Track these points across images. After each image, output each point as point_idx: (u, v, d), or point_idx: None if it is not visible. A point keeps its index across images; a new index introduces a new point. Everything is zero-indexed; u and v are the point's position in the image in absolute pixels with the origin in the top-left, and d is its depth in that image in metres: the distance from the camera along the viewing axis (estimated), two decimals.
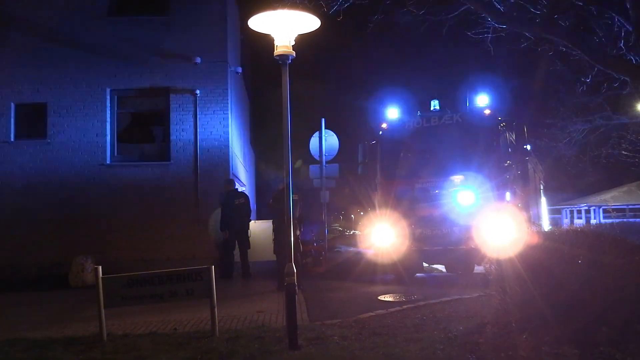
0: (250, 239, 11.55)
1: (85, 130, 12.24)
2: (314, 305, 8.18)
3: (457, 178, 9.99)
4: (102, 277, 6.18)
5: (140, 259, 11.55)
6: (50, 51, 12.31)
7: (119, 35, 12.41)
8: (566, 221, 27.17)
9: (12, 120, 12.25)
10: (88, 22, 12.40)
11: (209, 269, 6.27)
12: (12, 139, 12.19)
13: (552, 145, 21.63)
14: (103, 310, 6.16)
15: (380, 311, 7.50)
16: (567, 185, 25.10)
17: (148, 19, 12.57)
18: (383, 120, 11.14)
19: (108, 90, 12.41)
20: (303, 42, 6.11)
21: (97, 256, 11.30)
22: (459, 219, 9.74)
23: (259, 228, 13.13)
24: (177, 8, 12.55)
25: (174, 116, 12.36)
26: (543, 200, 15.51)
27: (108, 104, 12.41)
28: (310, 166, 13.75)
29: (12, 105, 12.26)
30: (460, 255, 10.09)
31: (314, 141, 13.74)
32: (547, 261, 5.55)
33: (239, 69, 14.33)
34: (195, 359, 5.39)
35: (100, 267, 6.25)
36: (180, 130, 12.31)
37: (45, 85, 12.24)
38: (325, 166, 13.56)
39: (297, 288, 5.89)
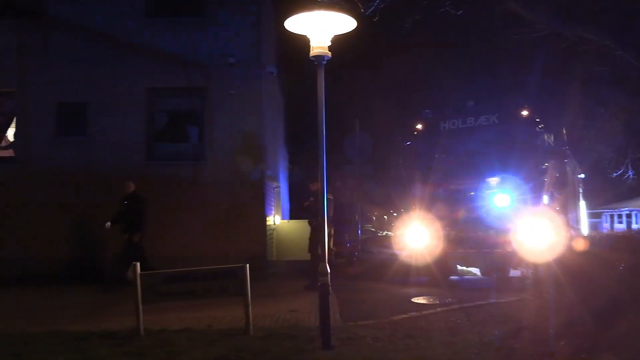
0: (279, 238, 11.60)
1: (124, 128, 12.50)
2: (347, 306, 8.18)
3: (493, 180, 9.85)
4: (139, 274, 6.32)
5: (175, 257, 11.71)
6: (90, 51, 12.60)
7: (157, 36, 12.63)
8: (606, 225, 26.47)
9: (56, 118, 12.59)
10: (127, 23, 12.66)
11: (243, 267, 6.34)
12: (55, 137, 12.53)
13: (591, 147, 21.09)
14: (141, 306, 6.29)
15: (413, 313, 7.46)
16: (607, 188, 24.45)
17: (185, 20, 12.76)
18: (418, 121, 11.06)
19: (147, 89, 12.64)
20: (338, 42, 6.11)
21: None
22: (495, 221, 9.60)
23: (292, 227, 13.19)
24: (213, 9, 12.71)
25: (209, 116, 12.51)
26: (582, 203, 15.15)
27: (146, 104, 12.64)
28: (346, 166, 13.78)
29: (55, 104, 12.61)
30: (495, 258, 9.95)
31: (348, 142, 13.75)
32: (586, 266, 5.43)
33: (274, 69, 14.42)
34: (228, 356, 5.45)
35: (138, 264, 6.39)
36: (216, 129, 12.45)
37: (86, 85, 12.54)
38: (360, 166, 13.56)
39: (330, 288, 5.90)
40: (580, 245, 5.92)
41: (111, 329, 6.78)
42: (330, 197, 10.62)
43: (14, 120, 12.82)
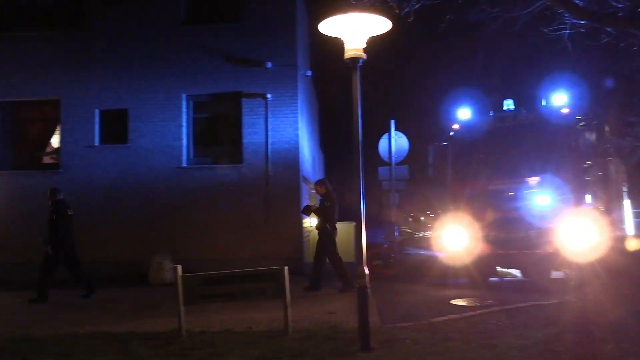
0: (315, 240, 11.58)
1: (163, 134, 12.77)
2: (385, 308, 8.14)
3: (532, 180, 9.65)
4: (181, 276, 6.43)
5: (214, 259, 11.91)
6: (130, 60, 12.94)
7: (194, 43, 12.87)
8: None
9: (97, 126, 12.97)
10: (165, 31, 12.94)
11: (282, 270, 6.39)
12: (96, 144, 12.90)
13: (636, 145, 20.43)
14: (182, 307, 6.41)
15: (453, 315, 7.37)
16: None
17: (221, 26, 12.97)
18: (454, 121, 10.93)
19: (184, 95, 12.89)
20: (373, 43, 6.10)
21: (174, 255, 11.77)
22: (536, 222, 9.40)
23: None
24: (249, 15, 12.87)
25: (245, 120, 12.67)
26: (627, 203, 14.72)
27: (184, 109, 12.89)
28: (380, 168, 13.72)
29: (97, 112, 12.98)
30: (536, 259, 9.73)
31: (383, 143, 13.69)
32: (632, 267, 5.27)
33: (309, 72, 14.50)
34: (268, 357, 5.49)
35: (180, 266, 6.50)
36: (252, 133, 12.60)
37: (126, 93, 12.87)
38: (394, 168, 13.48)
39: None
40: (625, 245, 5.76)
41: (154, 330, 6.92)
42: (328, 204, 10.36)
43: (59, 127, 13.23)
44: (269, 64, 12.54)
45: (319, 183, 10.54)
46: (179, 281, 6.41)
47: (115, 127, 12.94)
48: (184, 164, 12.75)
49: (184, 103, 12.89)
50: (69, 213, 10.04)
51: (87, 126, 12.93)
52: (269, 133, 12.52)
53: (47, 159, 13.64)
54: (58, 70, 13.07)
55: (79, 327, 7.25)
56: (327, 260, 10.02)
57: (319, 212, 10.19)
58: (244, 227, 12.26)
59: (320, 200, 10.29)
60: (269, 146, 12.49)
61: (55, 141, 13.50)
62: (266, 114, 12.54)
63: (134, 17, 13.04)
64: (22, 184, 12.93)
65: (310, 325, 7.00)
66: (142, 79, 12.88)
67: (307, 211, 10.69)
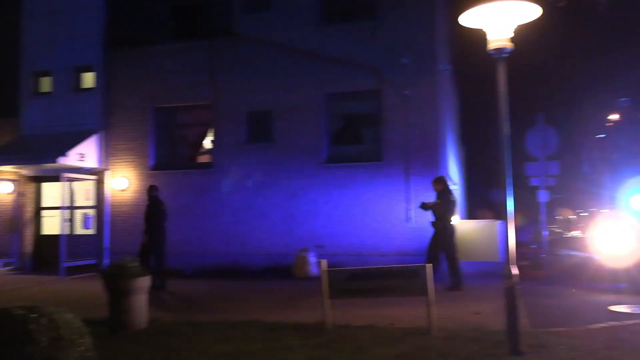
0: (463, 239, 11.35)
1: (304, 133, 13.24)
2: (535, 311, 7.71)
3: None
4: (326, 270, 6.63)
5: (355, 255, 12.11)
6: (273, 63, 13.58)
7: (333, 42, 13.16)
8: None
9: (245, 126, 13.80)
10: (305, 32, 13.40)
11: (425, 267, 6.32)
12: (244, 144, 13.73)
13: None
14: (327, 301, 6.60)
15: (613, 323, 6.78)
16: None
17: (358, 24, 13.13)
18: (613, 111, 10.01)
19: (323, 95, 13.25)
20: (519, 32, 5.78)
21: (317, 250, 12.18)
22: None
23: (471, 227, 12.81)
24: (385, 12, 12.87)
25: (384, 117, 12.70)
26: None
27: (323, 108, 13.25)
28: (527, 164, 13.01)
29: (244, 113, 13.81)
30: None
31: (531, 137, 12.96)
32: None
33: (448, 67, 14.16)
34: (412, 354, 5.48)
35: (325, 260, 6.71)
36: (391, 130, 12.60)
37: (271, 94, 13.53)
38: (543, 163, 12.70)
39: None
40: None
41: (300, 321, 7.22)
42: (453, 198, 10.24)
43: (210, 130, 14.29)
44: (407, 60, 12.44)
45: (436, 180, 10.64)
46: (324, 275, 6.61)
47: (261, 127, 13.67)
48: (324, 162, 13.10)
49: (323, 102, 13.25)
50: (163, 208, 11.13)
51: (236, 127, 13.81)
52: (407, 129, 12.43)
53: (202, 159, 14.80)
54: (210, 76, 14.12)
55: (232, 315, 7.79)
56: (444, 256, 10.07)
57: (434, 208, 10.26)
58: (384, 224, 12.33)
59: (440, 196, 10.34)
60: (409, 143, 12.40)
61: (208, 142, 14.59)
62: (405, 111, 12.47)
63: (275, 22, 13.67)
64: (180, 182, 14.18)
65: (454, 325, 6.84)
66: (284, 80, 13.46)
67: (424, 207, 10.69)
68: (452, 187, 13.37)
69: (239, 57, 13.92)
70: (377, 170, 12.64)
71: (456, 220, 14.33)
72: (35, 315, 3.48)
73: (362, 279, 6.64)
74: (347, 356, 5.49)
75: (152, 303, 7.52)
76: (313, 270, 11.89)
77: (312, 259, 12.04)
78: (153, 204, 11.21)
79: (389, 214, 12.32)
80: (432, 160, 12.27)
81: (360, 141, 13.40)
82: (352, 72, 12.96)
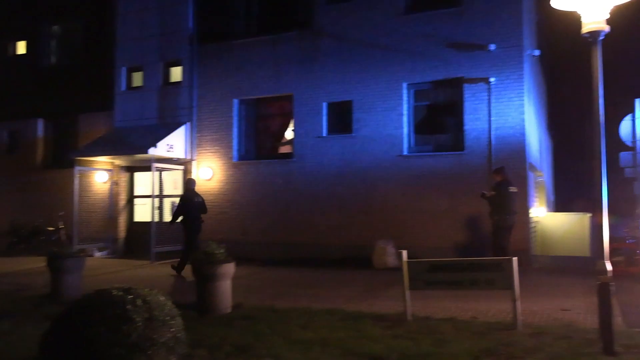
0: (543, 231, 11.05)
1: (385, 123, 13.15)
2: (630, 310, 7.28)
3: None
4: (406, 261, 6.59)
5: (435, 246, 11.93)
6: (354, 53, 13.56)
7: (415, 31, 12.95)
8: None
9: (325, 117, 13.90)
10: (386, 21, 13.26)
11: (511, 260, 6.14)
12: (324, 134, 13.84)
13: None
14: (408, 292, 6.56)
15: None
16: None
17: (442, 12, 12.80)
18: None
19: (405, 84, 13.07)
20: (613, 12, 5.43)
21: (396, 241, 12.10)
22: None
23: (558, 220, 12.26)
24: None
25: (467, 106, 12.36)
26: None
27: (404, 98, 13.08)
28: (622, 154, 12.24)
29: (325, 104, 13.90)
30: None
31: (625, 125, 12.19)
32: None
33: (536, 52, 13.55)
34: (496, 350, 5.34)
35: (405, 251, 6.67)
36: (474, 119, 12.25)
37: (351, 84, 13.54)
38: None
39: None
40: None
41: (381, 311, 7.23)
42: (515, 189, 10.11)
43: (292, 120, 14.51)
44: (493, 47, 12.02)
45: (496, 171, 10.84)
46: (405, 266, 6.57)
47: (341, 118, 13.72)
48: (405, 152, 12.95)
49: (404, 92, 13.08)
50: (196, 200, 11.76)
51: (316, 118, 13.94)
52: (492, 119, 12.03)
53: (283, 150, 15.08)
54: (291, 68, 14.33)
55: (313, 303, 7.91)
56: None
57: (492, 200, 10.41)
58: (467, 216, 12.04)
59: (495, 188, 10.48)
60: (492, 132, 12.00)
61: (289, 133, 14.83)
62: (489, 99, 12.07)
63: (356, 12, 13.62)
64: (263, 172, 14.54)
65: (540, 321, 6.61)
66: (365, 71, 13.41)
67: (484, 198, 10.77)
68: (538, 177, 12.85)
69: (320, 48, 14.02)
70: (458, 161, 12.34)
71: (542, 212, 13.78)
72: (132, 296, 3.70)
73: (444, 271, 6.53)
74: (428, 348, 5.44)
75: (235, 289, 7.77)
76: (392, 261, 11.83)
77: (391, 249, 11.98)
78: (188, 197, 11.80)
79: (471, 206, 12.01)
80: (517, 149, 11.81)
81: (441, 131, 13.12)
82: (434, 60, 12.70)
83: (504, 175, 10.67)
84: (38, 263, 12.22)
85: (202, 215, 11.79)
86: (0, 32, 18.92)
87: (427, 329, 6.20)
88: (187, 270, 9.59)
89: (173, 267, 11.55)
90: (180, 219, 11.57)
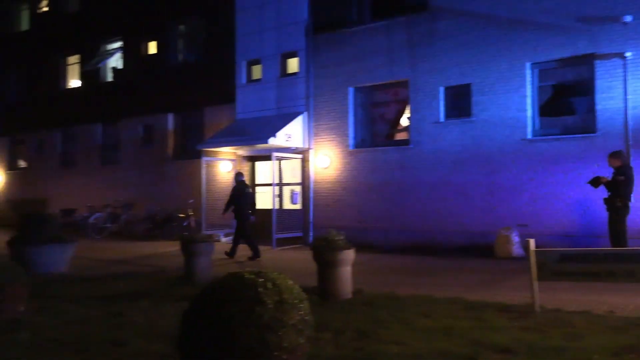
0: None
1: (506, 106, 12.56)
2: None
3: None
4: (534, 250, 6.28)
5: (562, 235, 11.26)
6: (472, 34, 13.05)
7: (538, 7, 12.19)
8: None
9: (442, 102, 13.57)
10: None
11: None
12: (441, 120, 13.52)
13: None
14: (536, 283, 6.27)
15: None
16: None
17: None
18: None
19: (528, 64, 12.38)
20: None
21: (520, 229, 11.58)
22: None
23: None
24: None
25: (599, 84, 11.45)
26: None
27: (528, 78, 12.38)
28: None
29: (441, 89, 13.56)
30: None
31: None
32: None
33: None
34: (638, 347, 4.95)
35: (532, 240, 6.36)
36: (607, 98, 11.31)
37: (469, 67, 13.07)
38: None
39: None
40: None
41: (505, 302, 6.97)
42: (622, 178, 9.44)
43: (408, 106, 14.33)
44: (628, 18, 11.00)
45: (614, 155, 9.91)
46: (532, 255, 6.27)
47: (459, 102, 13.32)
48: (529, 136, 12.29)
49: (528, 72, 12.38)
50: (247, 191, 12.71)
51: (433, 103, 13.64)
52: (628, 97, 11.05)
53: (399, 136, 14.96)
54: (406, 53, 14.11)
55: (433, 291, 7.81)
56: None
57: (610, 185, 9.63)
58: (597, 203, 11.15)
59: (614, 173, 9.68)
60: (629, 112, 11.03)
61: (405, 119, 14.67)
62: (625, 76, 11.08)
63: None
64: (379, 159, 14.52)
65: None
66: (484, 52, 12.88)
67: (596, 183, 9.88)
68: None
69: (435, 31, 13.68)
70: (590, 144, 11.49)
71: None
72: (262, 280, 3.88)
73: (577, 261, 6.14)
74: (559, 342, 5.17)
75: (355, 275, 7.86)
76: (516, 250, 11.35)
77: (515, 238, 11.48)
78: (239, 189, 12.54)
79: (604, 193, 11.13)
80: None
81: (570, 112, 12.28)
82: (560, 36, 11.90)
83: (624, 158, 9.97)
84: (171, 247, 13.22)
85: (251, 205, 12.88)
86: (136, 34, 20.54)
87: (558, 321, 5.88)
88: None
89: (226, 253, 12.48)
90: (231, 208, 12.59)
